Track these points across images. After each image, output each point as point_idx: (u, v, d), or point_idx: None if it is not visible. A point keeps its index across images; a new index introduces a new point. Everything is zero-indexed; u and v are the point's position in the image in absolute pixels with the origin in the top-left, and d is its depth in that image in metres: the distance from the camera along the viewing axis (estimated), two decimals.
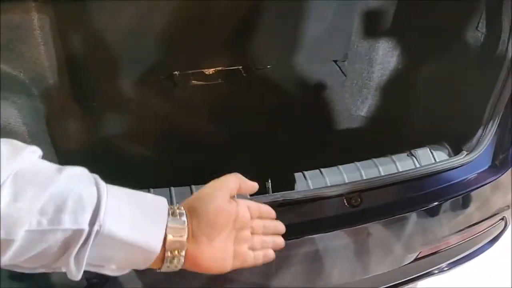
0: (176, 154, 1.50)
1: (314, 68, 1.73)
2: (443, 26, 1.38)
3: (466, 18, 1.33)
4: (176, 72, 1.62)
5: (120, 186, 0.67)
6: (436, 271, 1.32)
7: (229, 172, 0.89)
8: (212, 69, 1.68)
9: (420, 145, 1.26)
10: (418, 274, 1.28)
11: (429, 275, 1.31)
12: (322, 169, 1.13)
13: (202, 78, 1.67)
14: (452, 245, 1.24)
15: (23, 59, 1.21)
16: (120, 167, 1.46)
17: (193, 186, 1.09)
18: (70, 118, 1.41)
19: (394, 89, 1.55)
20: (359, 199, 1.08)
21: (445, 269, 1.31)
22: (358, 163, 1.15)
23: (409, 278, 1.27)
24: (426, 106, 1.44)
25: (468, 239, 1.26)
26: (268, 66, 1.70)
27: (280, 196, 1.05)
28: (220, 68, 1.68)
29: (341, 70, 1.70)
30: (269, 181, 1.07)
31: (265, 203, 1.01)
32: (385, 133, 1.48)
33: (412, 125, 1.47)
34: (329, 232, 1.07)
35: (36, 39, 1.21)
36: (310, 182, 1.10)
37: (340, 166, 1.13)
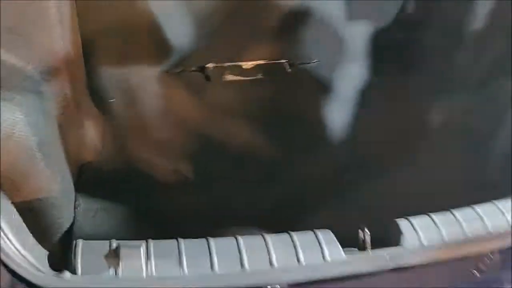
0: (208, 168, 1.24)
1: None
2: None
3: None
4: (209, 65, 1.40)
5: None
6: None
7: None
8: (251, 63, 1.46)
9: None
10: None
11: None
12: (432, 216, 0.84)
13: (239, 73, 1.46)
14: None
15: (32, 45, 0.92)
16: (144, 183, 1.22)
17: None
18: (86, 121, 1.13)
19: None
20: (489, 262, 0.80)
21: None
22: (477, 208, 0.87)
23: None
24: None
25: None
26: (315, 61, 1.48)
27: (388, 256, 0.77)
28: (260, 62, 1.46)
29: None
30: (365, 229, 0.78)
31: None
32: None
33: None
34: None
35: (50, 19, 0.92)
36: (421, 234, 0.81)
37: (455, 212, 0.85)
